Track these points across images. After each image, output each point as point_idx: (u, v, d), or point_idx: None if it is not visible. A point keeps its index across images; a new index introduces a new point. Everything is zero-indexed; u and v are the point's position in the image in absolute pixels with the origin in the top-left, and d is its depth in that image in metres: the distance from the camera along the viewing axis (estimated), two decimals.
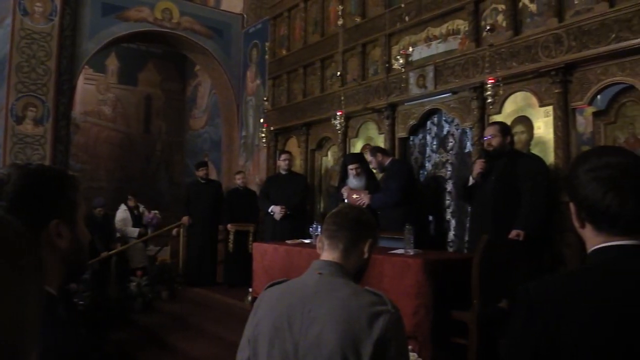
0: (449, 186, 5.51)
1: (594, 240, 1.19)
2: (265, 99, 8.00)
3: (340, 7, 6.32)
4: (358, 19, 6.38)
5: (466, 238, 4.99)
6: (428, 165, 5.81)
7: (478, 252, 3.46)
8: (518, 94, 4.74)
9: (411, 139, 5.96)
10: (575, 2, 4.34)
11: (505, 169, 4.23)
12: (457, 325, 3.46)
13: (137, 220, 7.95)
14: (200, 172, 7.68)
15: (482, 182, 4.33)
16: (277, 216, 6.36)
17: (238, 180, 7.52)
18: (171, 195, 11.78)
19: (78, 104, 10.63)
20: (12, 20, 7.14)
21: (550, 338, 1.09)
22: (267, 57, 8.16)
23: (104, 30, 8.00)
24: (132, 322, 6.41)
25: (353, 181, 5.53)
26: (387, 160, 5.39)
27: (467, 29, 5.16)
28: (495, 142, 4.28)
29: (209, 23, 9.02)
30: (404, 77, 5.59)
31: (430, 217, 5.66)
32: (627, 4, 3.88)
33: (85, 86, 11.06)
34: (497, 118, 4.76)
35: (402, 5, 5.60)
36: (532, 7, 4.67)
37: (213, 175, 9.23)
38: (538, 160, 4.28)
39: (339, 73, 6.29)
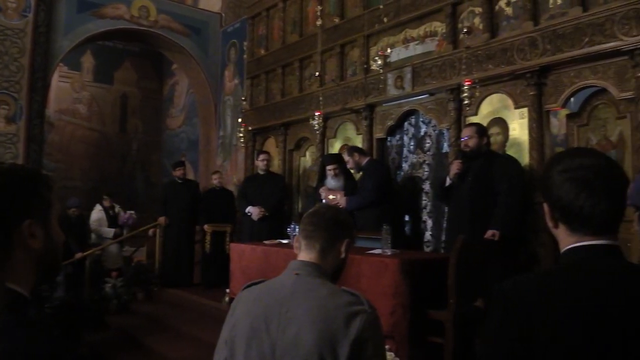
0: (426, 187, 5.55)
1: (567, 240, 1.21)
2: (243, 98, 7.97)
3: (319, 8, 6.33)
4: (337, 20, 6.40)
5: (443, 238, 5.03)
6: (405, 166, 5.85)
7: (454, 252, 3.50)
8: (494, 95, 4.80)
9: (389, 139, 5.99)
10: (550, 6, 4.41)
11: (482, 170, 4.28)
12: (434, 325, 3.49)
13: (112, 220, 7.84)
14: (178, 172, 7.61)
15: (459, 183, 4.37)
16: (255, 217, 6.34)
17: (214, 181, 7.47)
18: (148, 195, 11.66)
19: (52, 102, 10.45)
20: None
21: (525, 338, 1.10)
22: (245, 56, 8.13)
23: (79, 28, 7.88)
24: (107, 323, 6.31)
25: (331, 182, 5.55)
26: (364, 160, 5.41)
27: (444, 31, 5.21)
28: (472, 143, 4.33)
29: (186, 21, 8.95)
30: (382, 78, 5.62)
31: (407, 217, 5.70)
32: (600, 9, 3.97)
33: (60, 84, 10.88)
34: (474, 119, 4.81)
35: (381, 7, 5.64)
36: (508, 10, 4.74)
37: (190, 175, 9.16)
38: (513, 162, 4.34)
39: (317, 73, 6.30)
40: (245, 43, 8.19)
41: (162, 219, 7.48)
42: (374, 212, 5.03)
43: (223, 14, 9.37)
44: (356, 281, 3.60)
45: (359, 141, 6.09)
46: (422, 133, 5.67)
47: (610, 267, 1.15)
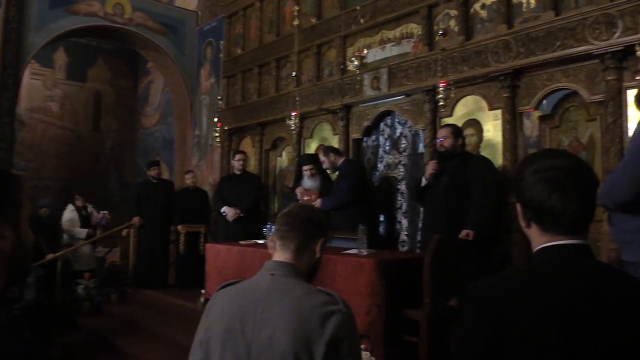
0: (402, 187, 5.59)
1: (539, 240, 1.23)
2: (219, 97, 7.92)
3: (296, 8, 6.34)
4: (314, 20, 6.40)
5: (418, 238, 5.07)
6: (380, 166, 5.88)
7: (429, 252, 3.53)
8: (469, 97, 4.86)
9: (365, 139, 6.02)
10: (524, 10, 4.48)
11: (457, 170, 4.32)
12: (409, 324, 3.52)
13: (85, 220, 7.71)
14: (152, 172, 7.52)
15: (435, 183, 4.41)
16: (230, 218, 6.31)
17: (188, 180, 7.38)
18: (121, 195, 11.51)
19: (23, 99, 10.23)
20: None
21: (498, 337, 1.12)
22: (221, 55, 8.08)
23: (51, 24, 7.73)
24: (79, 325, 6.22)
25: (307, 182, 5.55)
26: (340, 161, 5.43)
27: (420, 33, 5.25)
28: (447, 143, 4.37)
29: (162, 19, 8.86)
30: (358, 78, 5.64)
31: (382, 217, 5.74)
32: (571, 13, 4.05)
33: (31, 81, 10.66)
34: (449, 120, 4.87)
35: (358, 8, 5.66)
36: (483, 13, 4.80)
37: (165, 175, 9.06)
38: (487, 162, 4.40)
39: (294, 73, 6.30)
40: (221, 42, 8.12)
41: (136, 219, 7.39)
42: (349, 213, 5.05)
43: (199, 13, 9.29)
44: (332, 281, 3.61)
45: (335, 141, 6.11)
46: (397, 134, 5.71)
47: (581, 267, 1.17)
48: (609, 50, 3.80)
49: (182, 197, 7.31)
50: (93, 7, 8.08)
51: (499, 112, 4.58)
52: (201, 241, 6.87)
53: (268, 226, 5.01)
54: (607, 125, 3.87)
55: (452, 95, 4.69)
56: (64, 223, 7.54)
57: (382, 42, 5.67)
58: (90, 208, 7.91)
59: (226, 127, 7.52)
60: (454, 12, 4.97)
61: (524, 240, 3.95)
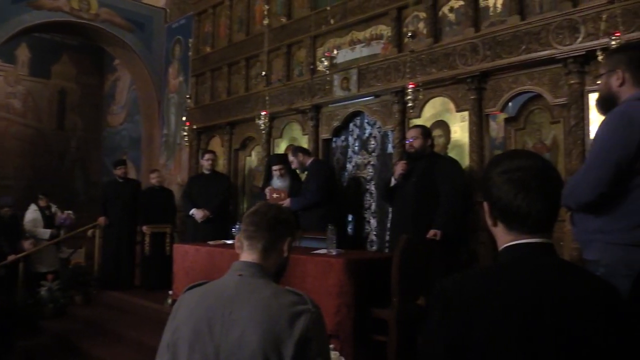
0: (371, 187, 5.63)
1: (505, 238, 1.26)
2: (188, 96, 7.83)
3: (266, 7, 6.31)
4: (284, 20, 6.39)
5: (387, 238, 5.11)
6: (349, 167, 5.91)
7: (397, 252, 3.56)
8: (437, 99, 4.92)
9: (334, 140, 6.04)
10: (491, 14, 4.56)
11: (425, 171, 4.37)
12: (378, 323, 3.54)
13: (48, 220, 7.51)
14: (118, 171, 7.39)
15: (403, 183, 4.45)
16: (199, 219, 6.25)
17: (153, 180, 7.26)
18: (87, 194, 11.26)
19: None
20: None
21: (464, 334, 1.13)
22: (190, 53, 7.99)
23: (14, 18, 7.51)
24: (42, 328, 6.07)
25: (277, 182, 5.54)
26: (309, 161, 5.43)
27: (389, 34, 5.29)
28: (417, 144, 4.42)
29: (129, 16, 8.69)
30: (328, 79, 5.66)
31: (350, 217, 5.76)
32: (536, 18, 4.14)
33: None
34: (417, 122, 4.92)
35: (328, 8, 5.67)
36: (451, 16, 4.87)
37: (132, 174, 8.90)
38: (454, 163, 4.46)
39: (263, 73, 6.27)
40: (190, 40, 8.03)
41: (101, 219, 7.25)
42: (317, 213, 5.06)
43: (168, 10, 9.16)
44: (301, 281, 3.60)
45: (305, 141, 6.11)
46: (367, 134, 5.74)
47: (544, 265, 1.20)
48: (571, 55, 3.90)
49: (147, 197, 7.19)
50: (58, 2, 7.87)
51: (466, 113, 4.65)
52: (167, 241, 6.78)
53: (237, 226, 4.97)
54: (570, 127, 3.97)
55: (421, 97, 4.74)
56: (26, 223, 7.34)
57: (352, 43, 5.70)
58: (54, 208, 7.73)
59: (195, 126, 7.45)
60: (423, 15, 5.03)
61: (490, 239, 4.02)
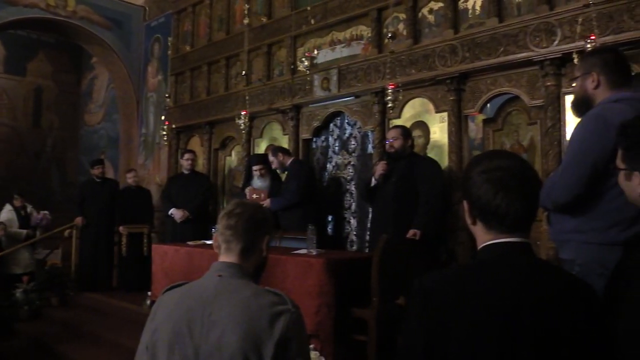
0: (351, 187, 5.64)
1: (484, 237, 1.28)
2: (167, 95, 7.76)
3: (247, 6, 6.29)
4: (264, 19, 6.37)
5: (367, 237, 5.13)
6: (330, 167, 5.92)
7: (377, 251, 3.57)
8: (416, 99, 4.96)
9: (314, 140, 6.04)
10: (470, 16, 4.62)
11: (405, 171, 4.39)
12: (358, 323, 3.55)
13: (24, 221, 7.38)
14: (96, 171, 7.28)
15: (384, 184, 4.47)
16: (178, 220, 6.20)
17: (129, 180, 7.17)
18: (64, 194, 11.08)
19: None
20: None
21: (442, 330, 1.15)
22: (169, 52, 7.92)
23: None
24: (17, 331, 5.95)
25: (257, 182, 5.52)
26: (289, 161, 5.43)
27: (370, 35, 5.31)
28: (397, 144, 4.44)
29: (107, 13, 8.58)
30: (308, 79, 5.66)
31: (330, 217, 5.77)
32: (514, 21, 4.20)
33: None
34: (397, 122, 4.94)
35: (308, 8, 5.67)
36: (431, 18, 4.91)
37: (110, 174, 8.79)
38: (434, 164, 4.49)
39: (244, 72, 6.25)
40: (169, 38, 7.96)
41: (78, 220, 7.14)
42: (297, 213, 5.06)
43: (147, 8, 9.06)
44: (281, 281, 3.59)
45: (285, 141, 6.10)
46: (347, 134, 5.76)
47: (522, 264, 1.22)
48: (548, 57, 3.96)
49: (124, 197, 7.10)
50: None
51: (445, 114, 4.70)
52: (145, 242, 6.72)
53: (217, 227, 4.94)
54: (547, 129, 4.03)
55: (401, 98, 4.78)
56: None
57: (333, 43, 5.71)
58: (29, 208, 7.59)
59: (174, 126, 7.38)
60: (402, 16, 5.06)
61: (468, 238, 4.07)
